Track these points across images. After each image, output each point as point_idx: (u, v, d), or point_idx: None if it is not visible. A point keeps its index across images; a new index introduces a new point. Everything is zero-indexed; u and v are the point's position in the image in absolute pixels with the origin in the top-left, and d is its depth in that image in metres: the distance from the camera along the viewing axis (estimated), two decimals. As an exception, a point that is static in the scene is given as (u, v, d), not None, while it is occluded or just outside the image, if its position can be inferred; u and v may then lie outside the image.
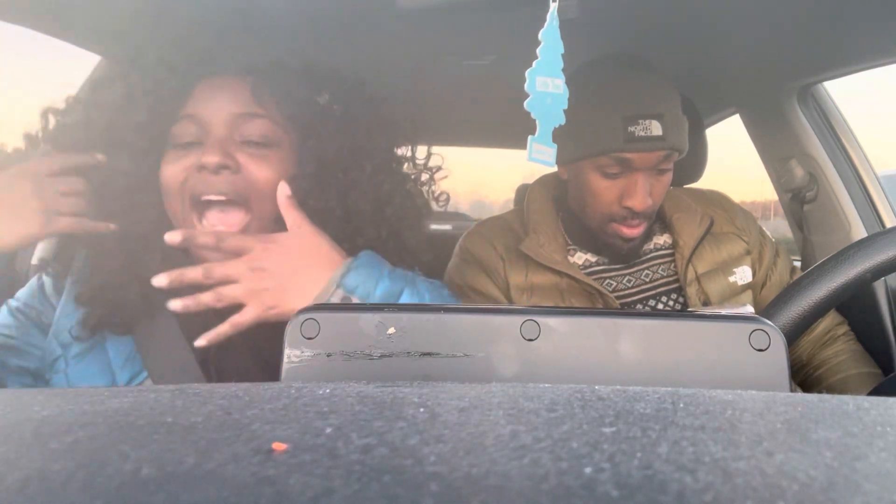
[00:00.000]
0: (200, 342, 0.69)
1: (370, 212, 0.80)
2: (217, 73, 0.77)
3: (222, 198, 0.73)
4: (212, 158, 0.72)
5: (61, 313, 0.77)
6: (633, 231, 1.06)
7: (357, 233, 0.80)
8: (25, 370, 0.78)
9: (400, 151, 0.88)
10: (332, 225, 0.78)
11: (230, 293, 0.68)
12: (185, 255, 0.75)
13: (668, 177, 1.05)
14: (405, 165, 0.88)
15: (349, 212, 0.79)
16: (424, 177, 0.90)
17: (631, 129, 0.97)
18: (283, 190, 0.74)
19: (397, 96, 0.85)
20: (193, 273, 0.68)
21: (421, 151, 0.91)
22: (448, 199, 0.93)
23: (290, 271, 0.69)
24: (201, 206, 0.74)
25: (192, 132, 0.75)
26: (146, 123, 0.74)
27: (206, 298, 0.68)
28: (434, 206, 0.91)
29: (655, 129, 0.97)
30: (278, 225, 0.75)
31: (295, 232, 0.73)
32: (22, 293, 0.81)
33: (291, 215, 0.74)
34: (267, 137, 0.77)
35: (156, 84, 0.74)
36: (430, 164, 0.91)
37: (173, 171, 0.74)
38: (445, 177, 0.92)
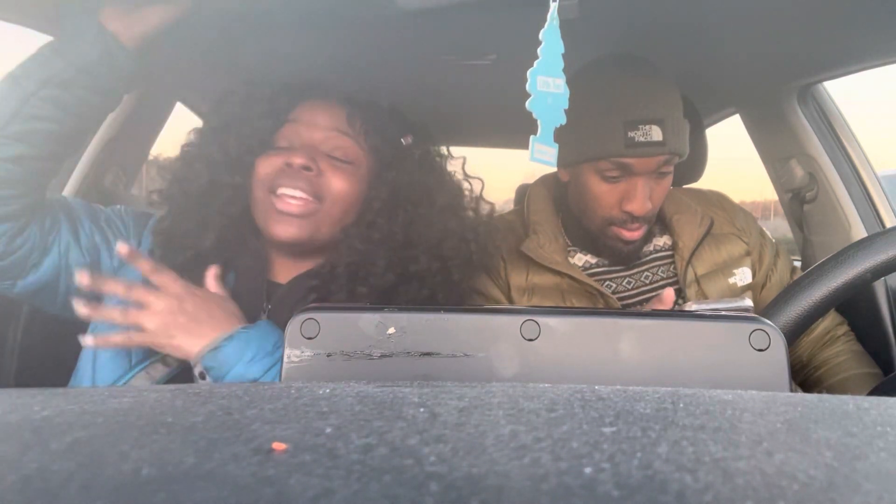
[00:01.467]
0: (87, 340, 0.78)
1: (428, 245, 0.92)
2: (322, 98, 0.93)
3: (298, 192, 0.85)
4: (298, 159, 0.85)
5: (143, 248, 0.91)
6: (633, 235, 1.06)
7: (411, 260, 0.91)
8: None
9: (465, 200, 1.01)
10: (390, 247, 0.90)
11: (138, 339, 0.76)
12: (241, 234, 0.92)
13: (669, 180, 1.05)
14: (469, 213, 1.00)
15: (409, 240, 0.91)
16: (485, 209, 1.03)
17: (631, 134, 0.97)
18: (213, 272, 0.86)
19: (397, 96, 0.87)
20: (112, 313, 0.76)
21: (485, 203, 1.04)
22: (493, 210, 1.05)
23: (193, 326, 0.78)
24: (279, 195, 0.86)
25: (288, 137, 0.90)
26: (257, 130, 0.90)
27: (117, 339, 0.76)
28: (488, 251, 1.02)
29: (656, 134, 0.97)
30: (342, 230, 0.90)
31: (206, 294, 0.82)
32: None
33: (211, 284, 0.85)
34: (348, 155, 0.91)
35: (272, 99, 0.91)
36: (488, 211, 1.03)
37: (266, 165, 0.88)
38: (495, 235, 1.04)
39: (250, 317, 0.85)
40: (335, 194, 0.88)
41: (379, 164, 0.94)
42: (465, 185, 1.02)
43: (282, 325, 0.82)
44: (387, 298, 0.90)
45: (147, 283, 0.78)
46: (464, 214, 0.99)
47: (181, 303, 0.77)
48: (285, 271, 0.94)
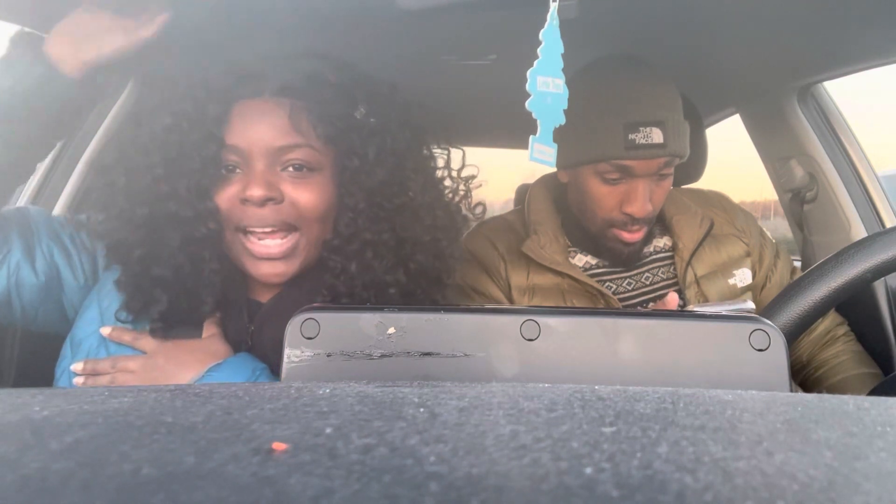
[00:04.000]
0: (77, 366, 0.77)
1: (420, 233, 0.81)
2: (256, 96, 0.76)
3: (269, 230, 0.75)
4: (256, 192, 0.73)
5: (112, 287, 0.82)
6: (633, 236, 1.06)
7: (409, 258, 0.81)
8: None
9: (439, 162, 0.88)
10: (385, 253, 0.79)
11: (122, 379, 0.76)
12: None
13: (669, 182, 1.05)
14: (446, 179, 0.88)
15: (400, 237, 0.80)
16: (462, 189, 0.89)
17: (632, 136, 0.97)
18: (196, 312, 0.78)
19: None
20: (103, 364, 0.76)
21: (455, 162, 0.91)
22: (484, 211, 0.94)
23: (165, 379, 0.76)
24: (251, 234, 0.76)
25: (233, 161, 0.76)
26: (187, 149, 0.75)
27: (103, 381, 0.76)
28: (470, 217, 0.91)
29: (657, 136, 0.97)
30: (326, 245, 0.79)
31: (177, 344, 0.79)
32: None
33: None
34: (309, 163, 0.77)
35: (195, 108, 0.75)
36: (465, 173, 0.90)
37: (223, 199, 0.76)
38: (479, 186, 0.91)
39: (235, 339, 0.80)
40: (310, 214, 0.77)
41: (341, 157, 0.79)
42: (432, 138, 0.88)
43: (268, 346, 0.79)
44: (376, 302, 0.82)
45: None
46: (441, 183, 0.88)
47: (155, 358, 0.76)
48: (265, 288, 0.85)
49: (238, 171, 0.76)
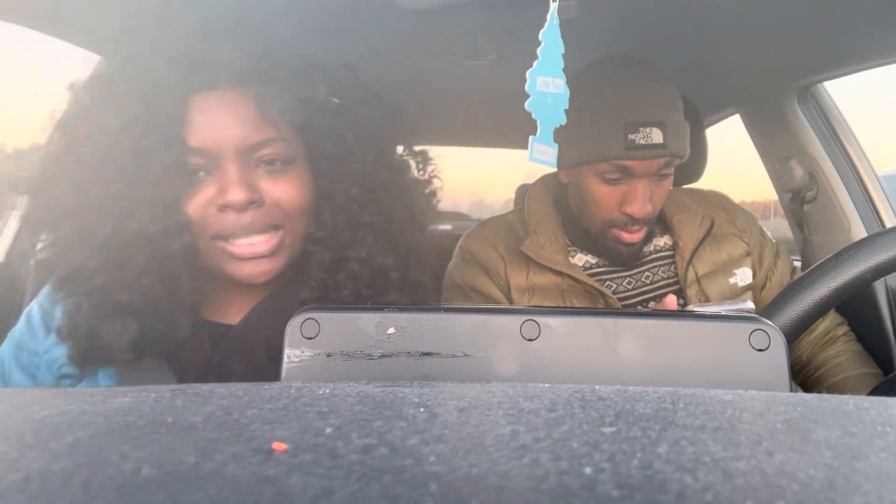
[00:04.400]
0: None
1: (404, 214, 0.76)
2: (213, 87, 0.68)
3: (256, 237, 0.69)
4: (237, 196, 0.66)
5: (51, 346, 0.73)
6: (634, 237, 1.06)
7: (399, 239, 0.76)
8: None
9: (404, 145, 0.83)
10: (378, 238, 0.74)
11: None
12: (171, 285, 0.69)
13: (669, 182, 1.05)
14: (412, 161, 0.83)
15: (386, 219, 0.75)
16: (430, 166, 0.85)
17: (632, 136, 0.97)
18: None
19: (397, 96, 0.84)
20: None
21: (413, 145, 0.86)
22: (441, 186, 0.88)
23: None
24: (230, 237, 0.69)
25: (200, 164, 0.67)
26: (143, 156, 0.65)
27: None
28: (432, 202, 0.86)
29: (657, 136, 0.97)
30: (309, 239, 0.73)
31: None
32: (18, 328, 0.77)
33: None
34: (283, 157, 0.70)
35: (146, 107, 0.65)
36: (422, 155, 0.85)
37: (191, 208, 0.67)
38: (434, 169, 0.86)
39: (197, 374, 0.71)
40: (294, 211, 0.71)
41: (315, 143, 0.73)
42: (397, 119, 0.81)
43: (238, 376, 0.70)
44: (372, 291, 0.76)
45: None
46: (408, 165, 0.82)
47: None
48: (232, 307, 0.76)
49: (206, 174, 0.68)
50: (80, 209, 0.66)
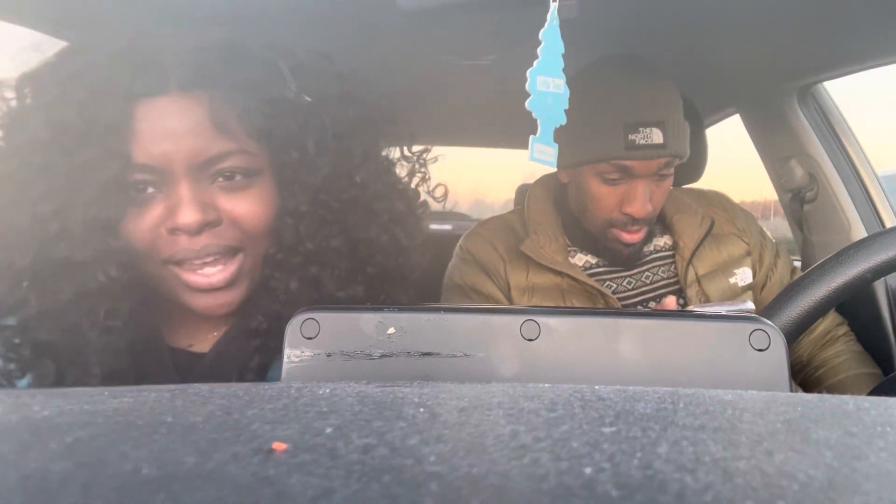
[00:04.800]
0: None
1: (377, 231, 0.68)
2: (161, 93, 0.59)
3: (210, 259, 0.61)
4: (188, 218, 0.58)
5: None
6: (634, 237, 1.06)
7: (367, 262, 0.68)
8: None
9: (387, 142, 0.73)
10: (338, 261, 0.66)
11: None
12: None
13: (669, 182, 1.05)
14: (397, 160, 0.74)
15: (355, 239, 0.66)
16: (419, 170, 0.75)
17: (632, 136, 0.97)
18: None
19: (397, 96, 0.83)
20: None
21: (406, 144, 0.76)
22: (446, 194, 0.79)
23: None
24: (185, 263, 0.61)
25: (147, 181, 0.59)
26: (78, 172, 0.57)
27: None
28: (432, 202, 0.78)
29: (657, 136, 0.97)
30: (267, 261, 0.65)
31: None
32: None
33: None
34: (244, 170, 0.62)
35: (80, 115, 0.56)
36: (420, 154, 0.76)
37: (137, 231, 0.59)
38: (436, 160, 0.77)
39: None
40: (256, 231, 0.63)
41: (278, 151, 0.63)
42: (378, 115, 0.71)
43: None
44: None
45: None
46: (392, 166, 0.73)
47: None
48: (198, 333, 0.69)
49: (155, 191, 0.60)
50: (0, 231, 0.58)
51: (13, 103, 0.61)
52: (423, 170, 0.75)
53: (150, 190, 0.60)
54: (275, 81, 0.63)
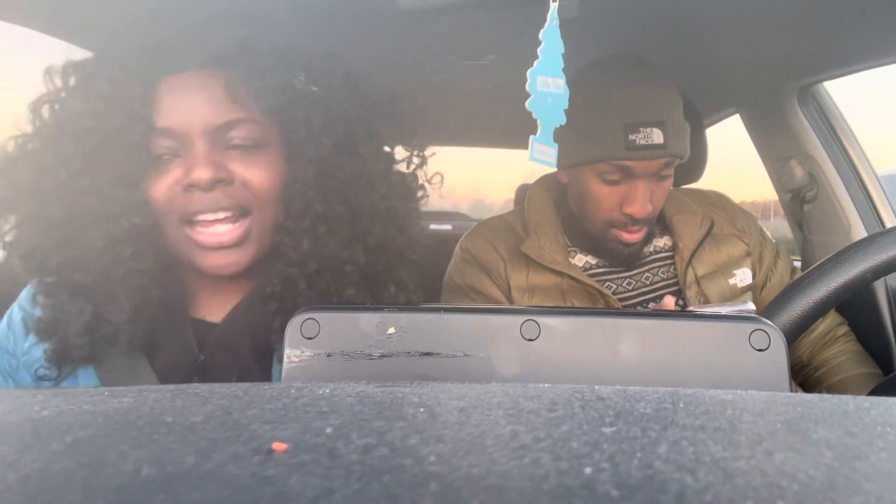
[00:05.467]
0: None
1: (376, 206, 0.74)
2: (182, 69, 0.68)
3: (220, 214, 0.67)
4: (202, 174, 0.65)
5: (30, 347, 0.72)
6: (634, 237, 1.06)
7: (367, 233, 0.74)
8: None
9: (388, 131, 0.80)
10: (342, 230, 0.72)
11: None
12: (149, 279, 0.69)
13: (669, 182, 1.05)
14: (397, 147, 0.81)
15: (355, 211, 0.73)
16: (416, 158, 0.82)
17: (632, 137, 0.97)
18: None
19: (397, 96, 0.83)
20: None
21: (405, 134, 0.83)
22: (442, 180, 0.85)
23: None
24: (197, 224, 0.68)
25: (168, 146, 0.67)
26: (108, 136, 0.65)
27: None
28: (429, 189, 0.84)
29: (657, 137, 0.97)
30: (279, 229, 0.71)
31: None
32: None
33: None
34: (254, 140, 0.69)
35: (114, 89, 0.66)
36: (419, 147, 0.83)
37: (160, 187, 0.67)
38: (434, 154, 0.84)
39: (181, 375, 0.70)
40: (264, 195, 0.69)
41: (286, 129, 0.72)
42: (381, 109, 0.79)
43: (222, 377, 0.69)
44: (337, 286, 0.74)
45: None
46: (392, 153, 0.80)
47: None
48: (214, 304, 0.74)
49: (174, 156, 0.67)
50: (41, 189, 0.66)
51: (59, 83, 0.70)
52: (420, 155, 0.82)
53: (169, 155, 0.67)
54: (283, 70, 0.71)
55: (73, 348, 0.67)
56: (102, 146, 0.65)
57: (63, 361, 0.69)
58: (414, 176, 0.82)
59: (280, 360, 0.73)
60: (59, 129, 0.67)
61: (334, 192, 0.72)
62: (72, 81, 0.70)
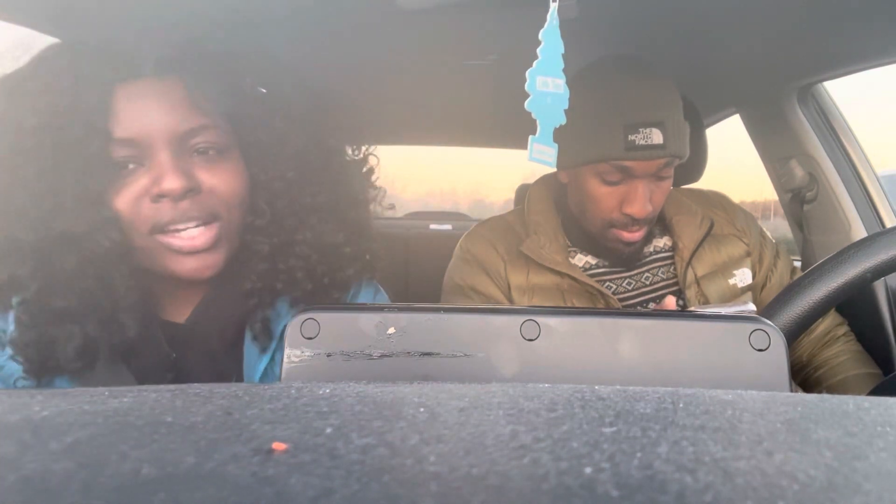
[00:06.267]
0: None
1: (339, 195, 0.77)
2: (136, 76, 0.66)
3: (193, 224, 0.67)
4: (173, 185, 0.64)
5: (6, 361, 0.70)
6: (633, 237, 1.06)
7: (339, 227, 0.76)
8: None
9: (334, 130, 0.81)
10: (318, 221, 0.74)
11: None
12: (131, 282, 0.69)
13: (669, 182, 1.05)
14: (346, 148, 0.83)
15: (313, 206, 0.75)
16: (359, 153, 0.84)
17: (632, 137, 0.97)
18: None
19: (397, 96, 0.83)
20: None
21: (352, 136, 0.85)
22: (378, 161, 0.87)
23: None
24: (169, 232, 0.68)
25: (129, 155, 0.65)
26: (67, 150, 0.63)
27: None
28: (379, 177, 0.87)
29: (657, 137, 0.97)
30: (244, 230, 0.73)
31: None
32: None
33: None
34: (217, 145, 0.69)
35: (65, 99, 0.63)
36: (364, 148, 0.85)
37: (122, 202, 0.65)
38: (370, 150, 0.87)
39: (156, 374, 0.70)
40: (232, 200, 0.70)
41: (246, 132, 0.73)
42: (327, 106, 0.81)
43: (195, 374, 0.72)
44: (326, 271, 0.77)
45: None
46: (343, 153, 0.82)
47: None
48: (178, 304, 0.75)
49: (138, 166, 0.66)
50: (5, 214, 0.63)
51: (3, 98, 0.66)
52: (369, 155, 0.85)
53: (132, 165, 0.66)
54: (232, 72, 0.72)
55: (46, 362, 0.67)
56: (61, 162, 0.63)
57: (39, 374, 0.68)
58: (364, 160, 0.84)
59: (256, 355, 0.75)
60: (14, 148, 0.64)
61: (294, 189, 0.74)
62: (19, 94, 0.66)
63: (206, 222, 0.68)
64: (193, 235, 0.67)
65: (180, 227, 0.67)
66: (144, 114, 0.65)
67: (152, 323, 0.72)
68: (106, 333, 0.67)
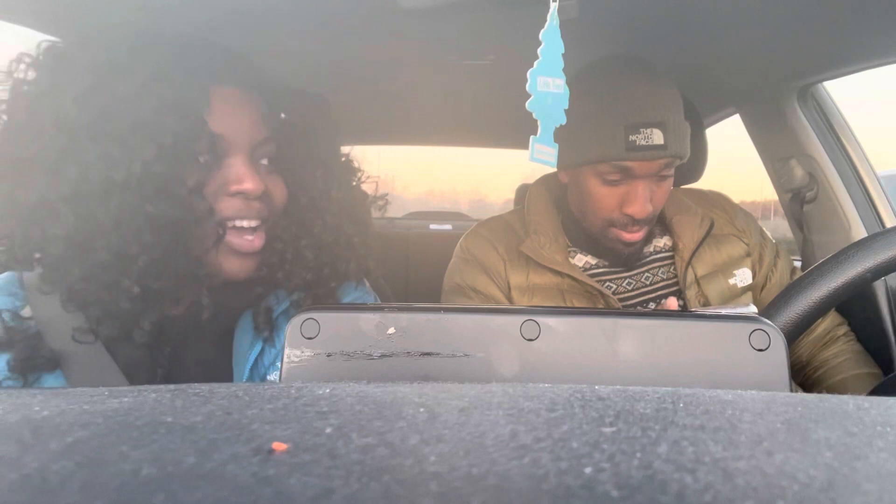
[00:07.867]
0: None
1: (347, 205, 0.82)
2: (230, 85, 0.72)
3: (255, 223, 0.73)
4: (251, 186, 0.70)
5: None
6: (634, 237, 1.06)
7: (348, 224, 0.82)
8: None
9: (339, 142, 0.88)
10: (325, 224, 0.79)
11: None
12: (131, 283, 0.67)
13: (669, 182, 1.05)
14: (350, 166, 0.88)
15: (340, 231, 0.81)
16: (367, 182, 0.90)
17: (632, 137, 0.97)
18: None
19: (397, 96, 0.84)
20: None
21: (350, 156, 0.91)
22: (377, 188, 0.93)
23: None
24: (230, 229, 0.71)
25: (210, 149, 0.69)
26: (173, 136, 0.65)
27: None
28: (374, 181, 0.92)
29: (657, 137, 0.97)
30: (279, 238, 0.77)
31: None
32: None
33: None
34: (273, 157, 0.76)
35: (171, 84, 0.66)
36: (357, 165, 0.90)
37: (211, 192, 0.70)
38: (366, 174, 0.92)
39: (146, 371, 0.71)
40: (276, 209, 0.76)
41: (282, 149, 0.78)
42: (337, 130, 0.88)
43: (190, 372, 0.73)
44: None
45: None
46: (351, 170, 0.88)
47: None
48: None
49: (208, 160, 0.70)
50: (88, 194, 0.64)
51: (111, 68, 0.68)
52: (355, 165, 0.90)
53: (215, 161, 0.70)
54: (280, 99, 0.81)
55: (41, 355, 0.67)
56: (162, 152, 0.65)
57: (28, 371, 0.67)
58: (359, 170, 0.90)
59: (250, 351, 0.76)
60: (116, 125, 0.65)
61: (318, 197, 0.80)
62: (125, 90, 0.67)
63: (263, 224, 0.74)
64: (251, 238, 0.72)
65: (245, 223, 0.72)
66: (235, 117, 0.71)
67: (156, 316, 0.71)
68: (155, 304, 0.68)
